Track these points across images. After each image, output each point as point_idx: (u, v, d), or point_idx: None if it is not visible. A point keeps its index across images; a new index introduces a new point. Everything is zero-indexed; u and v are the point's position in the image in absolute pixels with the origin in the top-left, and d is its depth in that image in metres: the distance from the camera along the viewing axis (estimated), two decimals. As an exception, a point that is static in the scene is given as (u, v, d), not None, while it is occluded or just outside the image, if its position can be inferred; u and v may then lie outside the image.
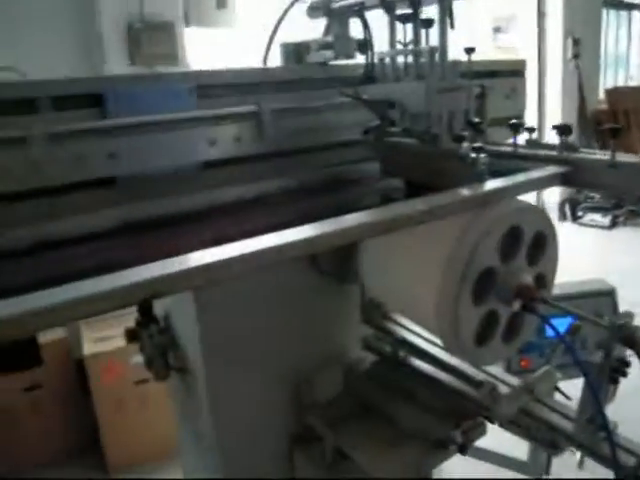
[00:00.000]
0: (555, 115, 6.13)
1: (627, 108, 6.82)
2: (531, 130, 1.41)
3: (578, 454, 2.50)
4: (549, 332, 1.79)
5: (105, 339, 2.79)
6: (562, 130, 1.29)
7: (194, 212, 1.31)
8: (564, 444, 1.18)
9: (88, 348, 2.78)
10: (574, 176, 1.23)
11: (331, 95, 1.49)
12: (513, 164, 1.32)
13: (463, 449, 1.33)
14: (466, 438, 1.33)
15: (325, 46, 1.49)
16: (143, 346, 1.67)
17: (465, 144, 1.18)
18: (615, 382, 1.06)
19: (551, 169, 1.25)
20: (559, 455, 1.21)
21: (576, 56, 6.24)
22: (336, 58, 1.51)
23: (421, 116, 1.23)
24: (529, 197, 1.32)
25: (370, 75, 1.41)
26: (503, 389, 1.26)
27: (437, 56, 1.20)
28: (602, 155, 1.22)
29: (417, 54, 1.26)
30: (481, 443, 1.64)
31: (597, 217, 6.00)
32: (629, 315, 1.03)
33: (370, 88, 1.34)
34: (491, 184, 1.16)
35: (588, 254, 4.88)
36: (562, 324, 1.68)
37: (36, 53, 2.71)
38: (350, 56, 1.51)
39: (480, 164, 1.18)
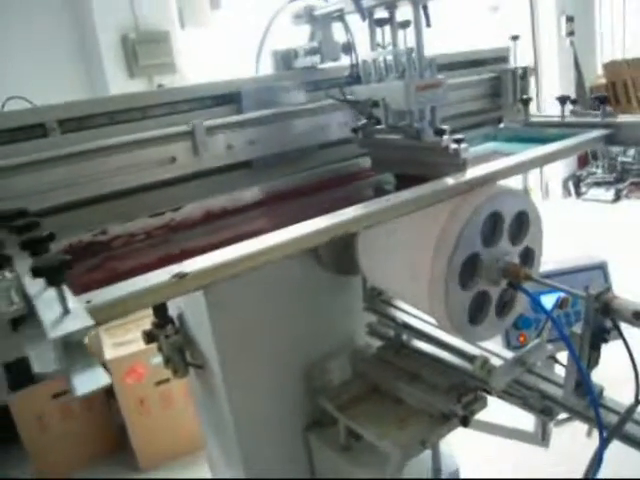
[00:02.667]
0: (553, 91, 6.15)
1: (625, 80, 6.83)
2: (574, 101, 1.69)
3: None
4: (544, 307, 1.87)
5: (124, 344, 2.91)
6: (601, 100, 1.58)
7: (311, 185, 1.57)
8: (556, 410, 1.26)
9: (109, 353, 2.89)
10: (616, 136, 1.49)
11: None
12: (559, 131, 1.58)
13: (465, 421, 1.42)
14: (467, 411, 1.42)
15: (311, 51, 1.57)
16: (161, 346, 1.78)
17: (446, 137, 1.26)
18: (597, 349, 1.14)
19: (597, 132, 1.49)
20: (553, 421, 1.29)
21: (570, 33, 6.25)
22: (322, 62, 1.59)
23: (403, 113, 1.31)
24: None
25: (355, 75, 1.49)
26: (497, 362, 1.34)
27: (414, 55, 1.28)
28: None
29: (396, 55, 1.34)
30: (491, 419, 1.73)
31: (601, 192, 6.03)
32: (606, 286, 1.11)
33: (355, 89, 1.42)
34: (472, 172, 1.25)
35: (591, 227, 4.93)
36: (553, 299, 1.75)
37: (39, 77, 2.81)
38: (336, 59, 1.60)
39: (461, 154, 1.26)
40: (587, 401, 1.16)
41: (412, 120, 1.30)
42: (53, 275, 0.70)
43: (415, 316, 1.66)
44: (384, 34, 1.38)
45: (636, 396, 1.08)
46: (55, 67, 3.06)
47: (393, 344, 1.69)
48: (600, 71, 7.22)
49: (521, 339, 1.76)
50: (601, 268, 1.79)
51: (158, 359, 1.93)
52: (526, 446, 1.98)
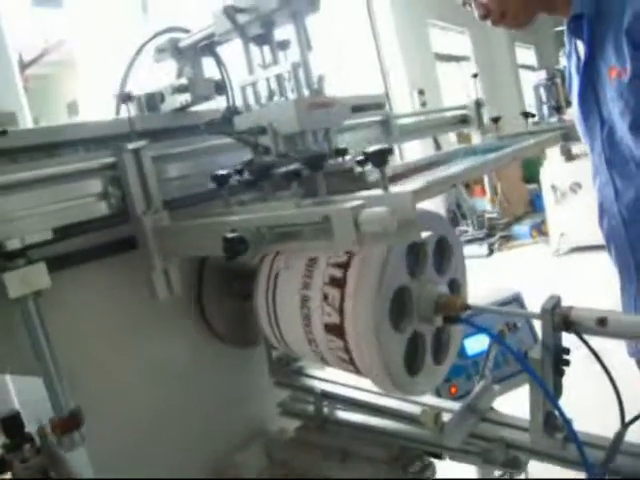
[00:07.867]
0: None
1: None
2: (534, 115, 2.13)
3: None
4: (469, 351, 1.71)
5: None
6: (557, 109, 2.59)
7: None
8: (525, 458, 1.06)
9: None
10: (570, 134, 1.79)
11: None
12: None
13: (416, 496, 1.17)
14: (418, 483, 1.17)
15: (179, 88, 1.37)
16: (16, 476, 1.35)
17: (348, 157, 1.09)
18: (561, 374, 0.97)
19: (557, 132, 1.81)
20: (522, 473, 1.08)
21: (423, 104, 6.71)
22: (194, 102, 1.39)
23: (294, 137, 1.13)
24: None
25: (233, 111, 1.30)
26: (445, 416, 1.12)
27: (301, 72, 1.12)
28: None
29: (279, 76, 1.17)
30: None
31: (475, 248, 6.29)
32: (557, 297, 0.96)
33: (236, 119, 1.22)
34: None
35: (475, 280, 5.08)
36: (478, 342, 1.60)
37: None
38: (209, 98, 1.40)
39: (367, 176, 1.09)
40: (560, 439, 0.96)
41: (306, 144, 1.12)
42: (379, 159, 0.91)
43: (335, 382, 1.42)
44: (264, 57, 1.22)
45: (622, 420, 0.91)
46: None
47: (314, 420, 1.41)
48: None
49: (452, 390, 1.57)
50: (517, 300, 1.68)
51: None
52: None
